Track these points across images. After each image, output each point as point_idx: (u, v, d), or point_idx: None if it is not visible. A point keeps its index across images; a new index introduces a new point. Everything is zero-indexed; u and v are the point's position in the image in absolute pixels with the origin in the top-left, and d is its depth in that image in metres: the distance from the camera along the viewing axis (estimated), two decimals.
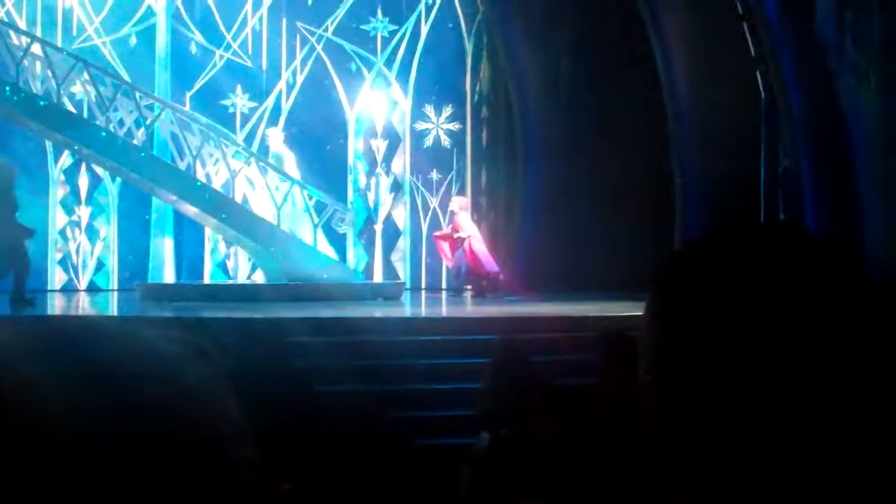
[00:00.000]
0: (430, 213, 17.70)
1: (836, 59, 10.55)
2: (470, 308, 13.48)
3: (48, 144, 15.72)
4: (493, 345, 5.86)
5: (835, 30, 10.52)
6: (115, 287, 16.23)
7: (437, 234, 15.35)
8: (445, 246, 14.62)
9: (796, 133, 11.93)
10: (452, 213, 14.68)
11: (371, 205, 17.67)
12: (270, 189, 14.38)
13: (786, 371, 0.97)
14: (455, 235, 14.40)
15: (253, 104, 17.16)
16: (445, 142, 17.83)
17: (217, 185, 14.28)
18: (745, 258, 1.02)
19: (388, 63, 17.62)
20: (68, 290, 15.92)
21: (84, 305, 13.46)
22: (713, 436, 0.97)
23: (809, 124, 11.76)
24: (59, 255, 16.26)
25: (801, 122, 11.92)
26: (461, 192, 17.63)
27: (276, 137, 15.42)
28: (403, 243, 17.70)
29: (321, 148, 17.18)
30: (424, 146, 17.80)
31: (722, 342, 0.99)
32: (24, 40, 13.97)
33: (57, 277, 16.21)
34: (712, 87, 13.89)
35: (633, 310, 10.90)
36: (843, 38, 10.44)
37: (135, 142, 13.83)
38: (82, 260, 16.41)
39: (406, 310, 13.20)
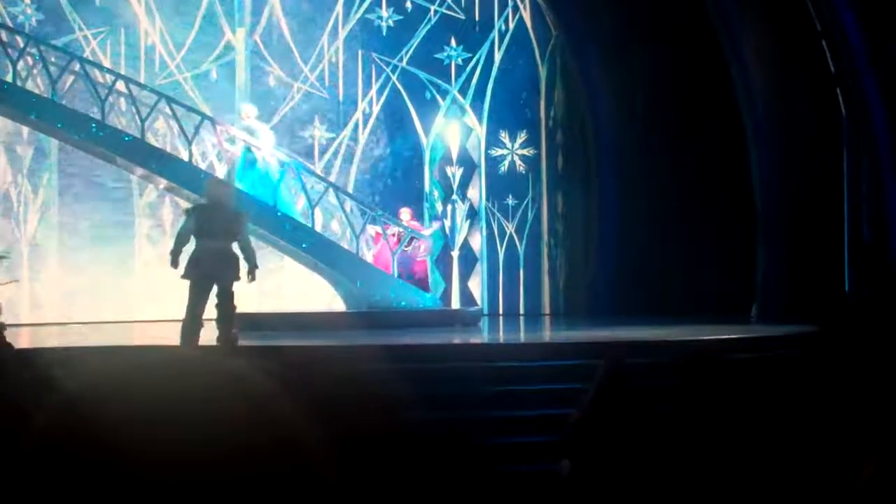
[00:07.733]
0: (506, 239, 17.70)
1: None
2: (547, 333, 13.42)
3: (133, 178, 16.09)
4: (599, 370, 5.76)
5: None
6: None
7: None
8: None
9: (880, 152, 11.68)
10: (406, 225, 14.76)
11: (448, 232, 17.74)
12: (347, 214, 14.53)
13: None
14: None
15: (331, 135, 17.38)
16: (521, 167, 17.85)
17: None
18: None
19: (463, 90, 17.73)
20: (158, 320, 16.22)
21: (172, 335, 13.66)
22: None
23: (893, 142, 11.50)
24: (145, 287, 16.60)
25: (884, 139, 11.67)
26: (537, 217, 17.69)
27: (249, 112, 15.17)
28: (480, 269, 17.74)
29: (397, 176, 17.34)
30: (500, 172, 17.83)
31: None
32: (109, 78, 14.36)
33: (146, 309, 16.53)
34: (792, 106, 13.69)
35: (715, 333, 10.76)
36: None
37: (218, 174, 14.09)
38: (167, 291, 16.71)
39: (485, 336, 13.19)
